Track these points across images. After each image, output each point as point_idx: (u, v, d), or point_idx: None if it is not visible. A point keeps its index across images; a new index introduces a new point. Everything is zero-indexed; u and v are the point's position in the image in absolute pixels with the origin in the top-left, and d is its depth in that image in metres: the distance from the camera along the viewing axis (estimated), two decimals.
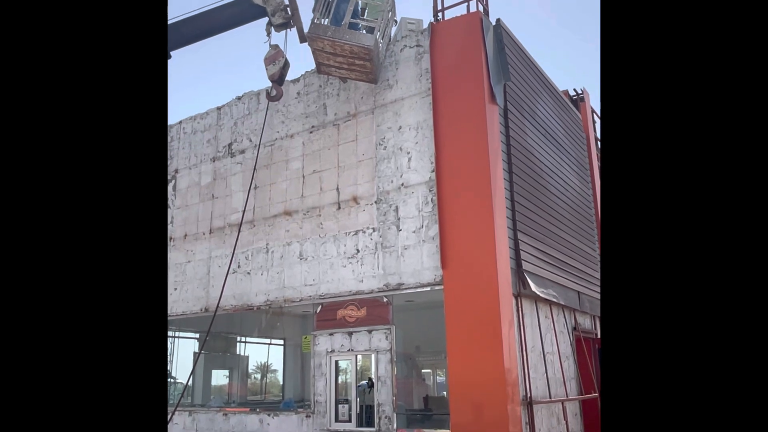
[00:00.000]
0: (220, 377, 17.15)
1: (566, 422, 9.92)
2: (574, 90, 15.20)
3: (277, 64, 10.68)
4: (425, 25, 10.57)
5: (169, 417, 11.06)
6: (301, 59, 19.04)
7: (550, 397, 9.55)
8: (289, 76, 11.57)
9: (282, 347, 17.98)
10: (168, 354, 14.65)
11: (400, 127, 10.30)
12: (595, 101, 26.48)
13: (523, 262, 9.35)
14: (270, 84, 11.17)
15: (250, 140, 12.41)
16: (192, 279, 12.62)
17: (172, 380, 14.60)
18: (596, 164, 14.60)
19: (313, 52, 10.02)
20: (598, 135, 15.55)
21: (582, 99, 15.09)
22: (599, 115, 15.50)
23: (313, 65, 11.00)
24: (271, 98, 11.20)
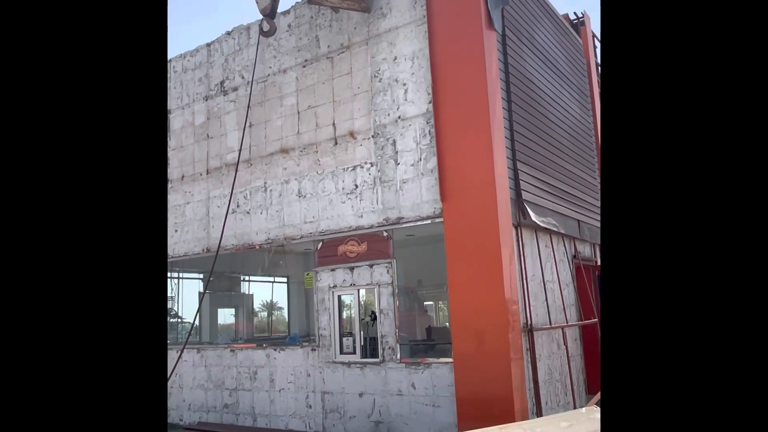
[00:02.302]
0: (226, 316, 17.49)
1: (566, 347, 10.15)
2: (575, 14, 14.72)
3: None
4: None
5: (178, 354, 11.32)
6: None
7: (551, 324, 9.72)
8: (280, 8, 11.18)
9: (285, 285, 18.25)
10: (173, 294, 14.88)
11: (396, 58, 10.01)
12: (596, 25, 25.76)
13: (522, 191, 9.30)
14: (261, 18, 10.79)
15: (243, 77, 12.12)
16: (192, 220, 12.63)
17: (179, 320, 14.89)
18: (597, 91, 14.31)
19: None
20: (599, 60, 15.17)
21: (582, 23, 14.64)
22: (600, 39, 15.07)
23: None
24: (264, 33, 10.84)
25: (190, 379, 12.02)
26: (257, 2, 10.54)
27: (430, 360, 9.22)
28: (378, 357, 9.60)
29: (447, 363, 8.84)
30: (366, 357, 9.88)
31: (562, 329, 10.15)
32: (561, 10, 14.24)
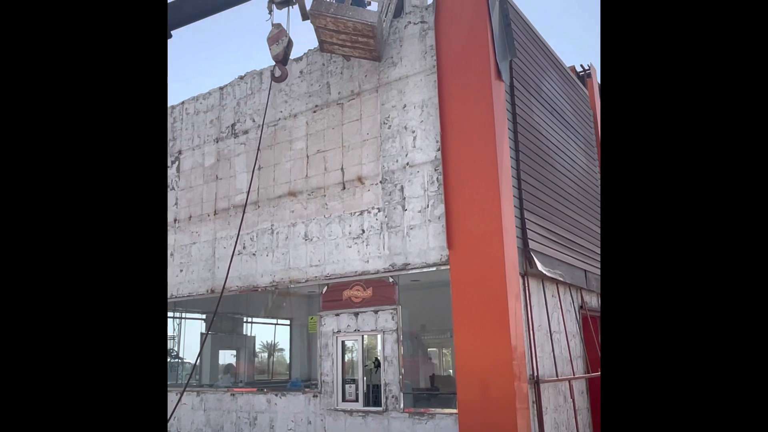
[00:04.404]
0: (227, 357, 17.28)
1: (573, 400, 9.94)
2: (581, 66, 14.99)
3: (280, 43, 10.53)
4: (430, 1, 10.38)
5: (177, 397, 11.15)
6: (303, 37, 18.81)
7: (557, 376, 9.56)
8: (292, 54, 11.43)
9: (288, 327, 18.07)
10: (174, 334, 14.75)
11: (405, 106, 10.17)
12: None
13: (529, 240, 9.29)
14: (274, 64, 11.03)
15: (253, 120, 12.30)
16: (197, 260, 12.62)
17: (179, 361, 14.71)
18: None
19: (316, 30, 9.86)
20: None
21: (589, 75, 14.89)
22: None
23: (316, 43, 10.86)
24: (276, 79, 11.05)
25: (188, 423, 11.80)
26: (270, 48, 10.79)
27: (435, 410, 9.04)
28: (381, 405, 9.43)
29: (451, 414, 8.67)
30: (369, 405, 9.70)
31: (569, 381, 9.97)
32: (568, 62, 14.51)
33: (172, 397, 11.77)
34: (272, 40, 10.52)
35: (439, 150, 9.51)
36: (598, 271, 12.11)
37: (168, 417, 11.12)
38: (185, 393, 11.53)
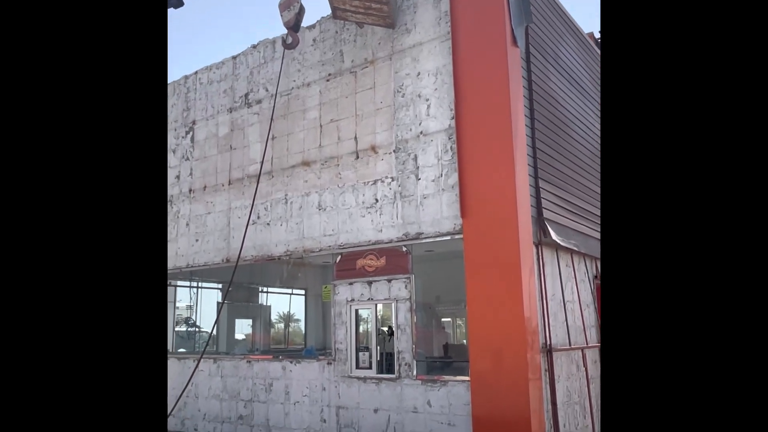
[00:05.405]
0: (243, 326, 17.54)
1: (585, 369, 9.96)
2: (600, 32, 14.65)
3: (292, 9, 10.39)
4: None
5: (195, 364, 11.36)
6: (316, 4, 18.59)
7: (570, 345, 9.57)
8: (305, 22, 11.29)
9: (303, 297, 18.27)
10: (192, 303, 14.97)
11: (419, 74, 10.04)
12: None
13: (544, 210, 9.21)
14: (285, 31, 10.91)
15: (267, 90, 12.24)
16: (213, 230, 12.72)
17: (196, 329, 14.97)
18: None
19: None
20: None
21: None
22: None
23: (328, 10, 10.71)
24: (287, 46, 10.93)
25: (206, 389, 12.03)
26: (282, 15, 10.65)
27: (447, 378, 9.12)
28: (394, 373, 9.52)
29: (464, 381, 8.73)
30: (382, 372, 9.81)
31: (582, 351, 9.98)
32: (586, 28, 14.19)
33: (189, 364, 12.01)
34: (284, 6, 10.38)
35: (453, 118, 9.41)
36: None
37: (186, 383, 11.35)
38: (202, 360, 11.73)
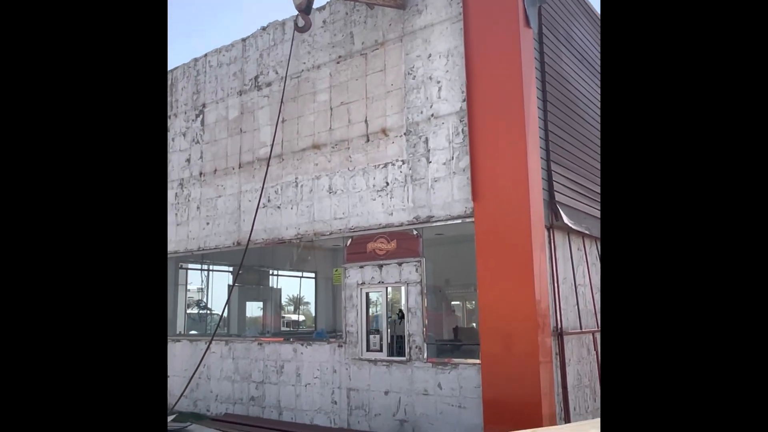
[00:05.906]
0: (254, 309, 17.68)
1: (596, 352, 9.96)
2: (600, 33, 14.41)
3: None
4: None
5: (206, 345, 11.46)
6: None
7: (581, 328, 9.55)
8: (315, 4, 11.19)
9: (313, 280, 18.35)
10: (203, 286, 15.08)
11: (430, 55, 9.94)
12: None
13: (555, 193, 9.15)
14: (296, 13, 10.82)
15: (276, 72, 12.18)
16: (223, 213, 12.75)
17: (208, 311, 15.10)
18: None
19: None
20: None
21: None
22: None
23: None
24: (299, 29, 10.85)
25: (218, 371, 12.15)
26: None
27: (458, 360, 9.14)
28: (404, 355, 9.56)
29: (474, 364, 8.75)
30: (392, 355, 9.85)
31: (593, 334, 9.97)
32: (599, 8, 13.95)
33: (201, 346, 12.12)
34: None
35: (464, 101, 9.32)
36: None
37: (197, 364, 11.47)
38: (214, 342, 11.84)
